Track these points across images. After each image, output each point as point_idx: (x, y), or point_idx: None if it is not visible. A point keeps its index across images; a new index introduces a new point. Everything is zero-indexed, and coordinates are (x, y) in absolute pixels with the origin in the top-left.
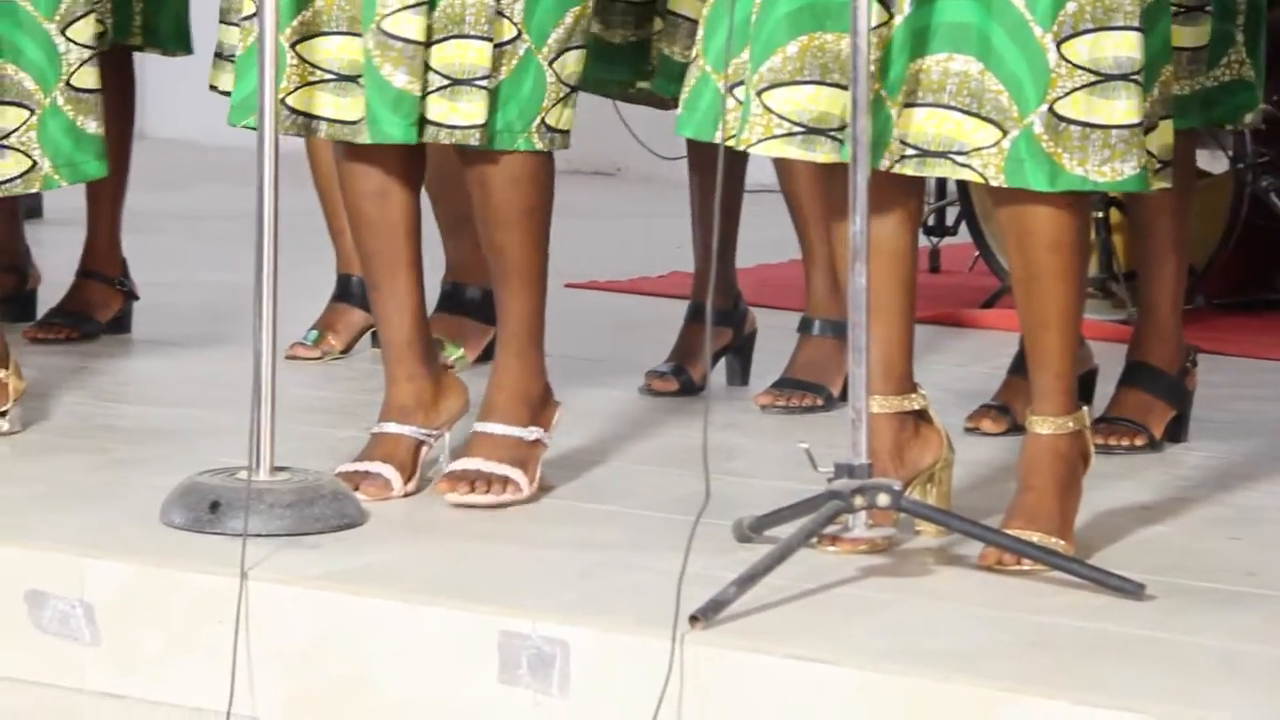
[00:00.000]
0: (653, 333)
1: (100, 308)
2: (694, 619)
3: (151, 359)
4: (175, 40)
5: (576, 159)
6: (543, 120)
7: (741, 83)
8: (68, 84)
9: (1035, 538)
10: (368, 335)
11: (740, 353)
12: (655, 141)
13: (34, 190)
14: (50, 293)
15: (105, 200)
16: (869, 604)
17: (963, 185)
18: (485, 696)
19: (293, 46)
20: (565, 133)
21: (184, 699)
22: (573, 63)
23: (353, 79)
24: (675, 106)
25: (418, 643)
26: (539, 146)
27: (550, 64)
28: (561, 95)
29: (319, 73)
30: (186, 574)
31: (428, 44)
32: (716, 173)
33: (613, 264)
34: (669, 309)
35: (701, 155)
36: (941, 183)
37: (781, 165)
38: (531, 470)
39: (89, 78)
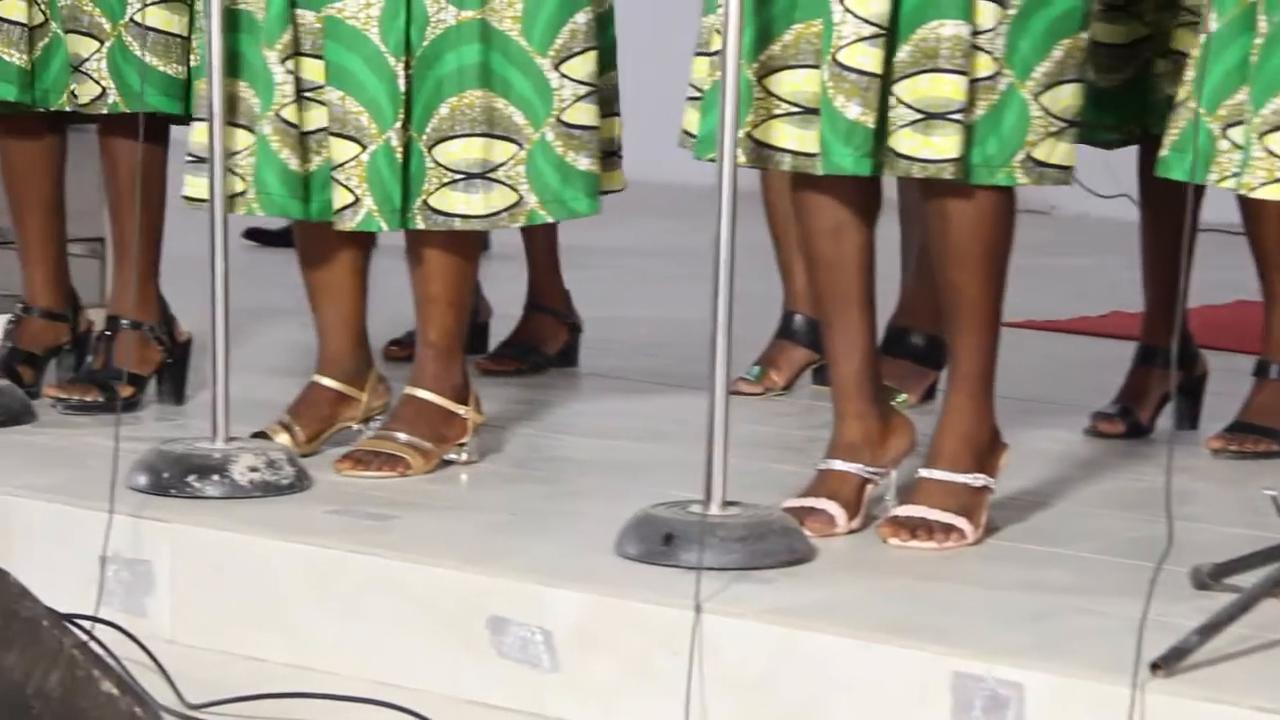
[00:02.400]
0: (1094, 374)
1: (548, 341)
2: (1155, 666)
3: (598, 392)
4: None
5: None
6: (1028, 155)
7: (1237, 123)
8: (559, 120)
9: None
10: (808, 372)
11: (1190, 396)
12: (1088, 178)
13: (518, 224)
14: (500, 326)
15: (542, 235)
16: None
17: None
18: None
19: (759, 80)
20: (1063, 168)
21: None
22: (1066, 97)
23: (814, 112)
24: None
25: (869, 679)
26: (1022, 181)
27: (1036, 98)
28: (1053, 130)
29: (783, 105)
30: (642, 605)
31: (888, 78)
32: (1175, 212)
33: (1048, 303)
34: (1107, 349)
35: (1155, 193)
36: None
37: (1248, 207)
38: (977, 517)
39: (583, 114)
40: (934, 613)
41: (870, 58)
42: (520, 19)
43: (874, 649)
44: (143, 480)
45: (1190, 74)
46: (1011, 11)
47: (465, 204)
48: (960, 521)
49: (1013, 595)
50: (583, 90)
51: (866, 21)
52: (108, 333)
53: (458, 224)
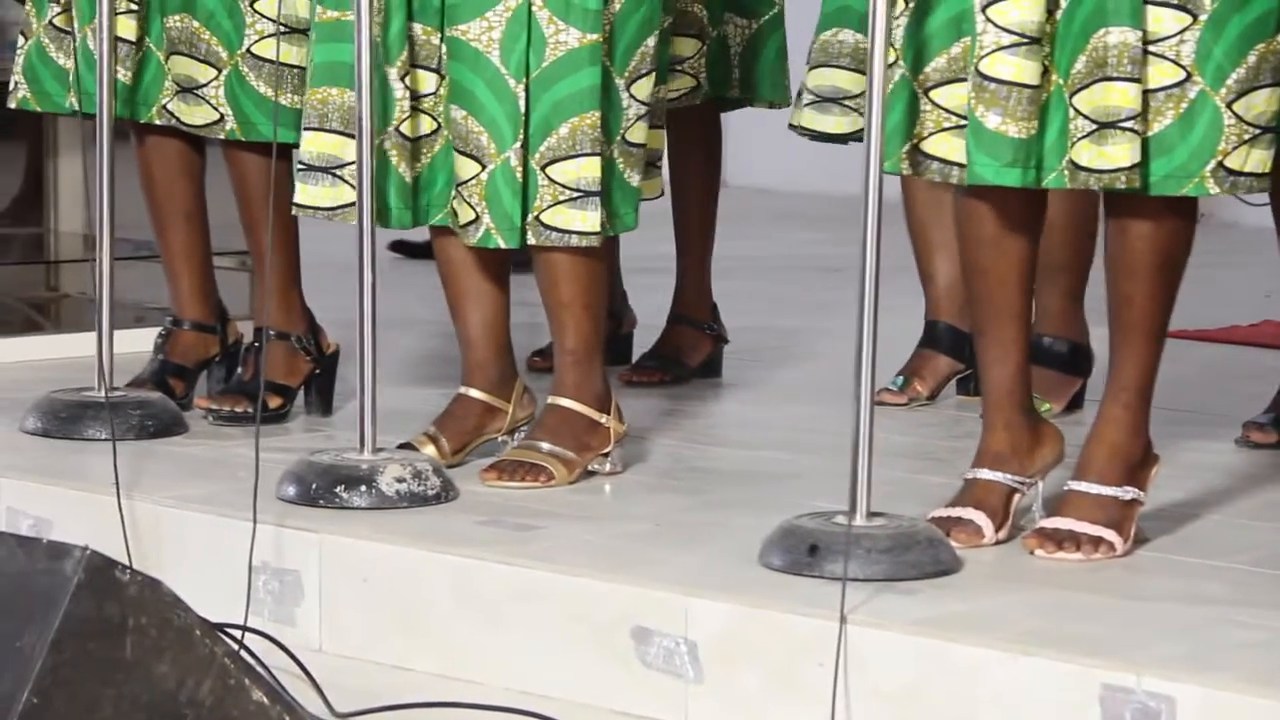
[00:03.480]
0: (1247, 384)
1: (691, 351)
2: None
3: (741, 402)
4: (774, 90)
5: None
6: (1220, 164)
7: None
8: (624, 139)
9: None
10: (953, 382)
11: None
12: None
13: (594, 242)
14: (644, 336)
15: (694, 248)
16: None
17: None
18: None
19: (928, 92)
20: (1258, 175)
21: None
22: (1261, 102)
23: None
24: None
25: (1017, 692)
26: (1214, 191)
27: (1230, 105)
28: (1246, 137)
29: (954, 118)
30: (787, 615)
31: (1069, 89)
32: None
33: (1200, 312)
34: (1260, 358)
35: None
36: None
37: None
38: (1126, 530)
39: (640, 133)
40: (1082, 624)
41: (1011, 67)
42: (606, 38)
43: (1021, 661)
44: (291, 491)
45: None
46: (1203, 17)
47: (582, 220)
48: (1109, 534)
49: (1164, 607)
50: (643, 110)
51: (1006, 30)
52: (256, 344)
53: (574, 240)
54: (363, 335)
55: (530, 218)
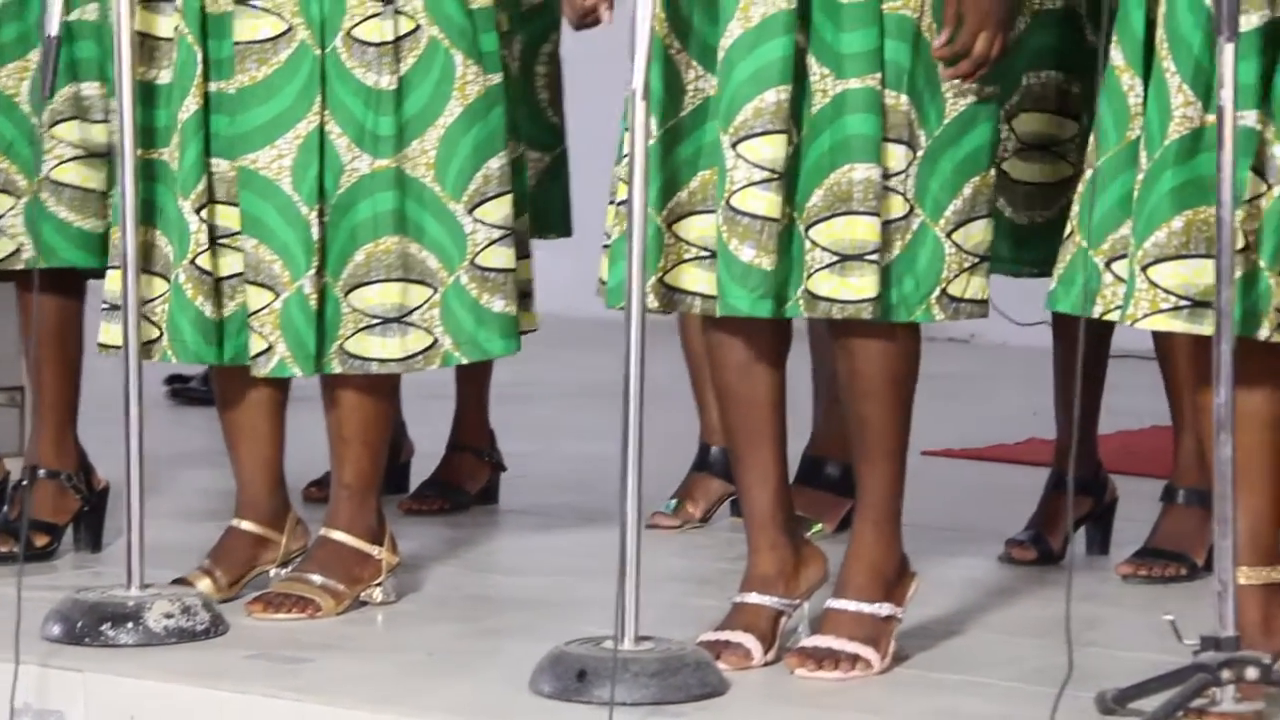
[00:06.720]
0: (1011, 501)
1: (470, 479)
2: None
3: (519, 529)
4: (559, 225)
5: (930, 326)
6: (943, 291)
7: (1121, 257)
8: (473, 263)
9: None
10: (726, 504)
11: (1101, 521)
12: (1007, 306)
13: (434, 367)
14: (422, 465)
15: (474, 375)
16: None
17: None
18: None
19: (669, 226)
20: (978, 302)
21: None
22: (978, 233)
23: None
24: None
25: None
26: (939, 318)
27: (949, 235)
28: (966, 265)
29: (692, 250)
30: None
31: (803, 222)
32: (1078, 346)
33: (968, 431)
34: (1026, 476)
35: (1068, 323)
36: None
37: (1158, 336)
38: (884, 646)
39: (498, 258)
40: None
41: (762, 201)
42: (434, 165)
43: None
44: (56, 630)
45: (1076, 209)
46: (920, 153)
47: (382, 348)
48: (867, 651)
49: None
50: (497, 234)
51: (758, 166)
52: (24, 482)
53: (374, 367)
54: (129, 469)
55: (335, 346)
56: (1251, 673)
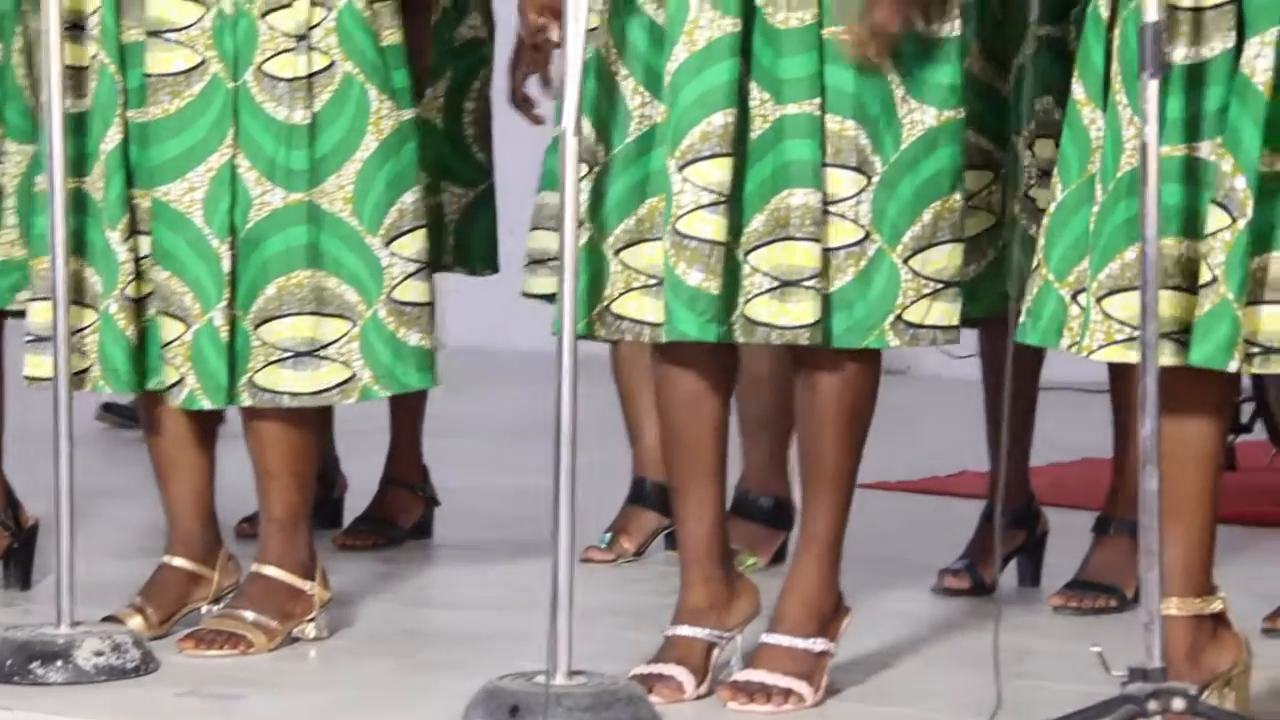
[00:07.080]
0: (944, 533)
1: (403, 514)
2: None
3: (452, 564)
4: (485, 261)
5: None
6: (899, 317)
7: (1084, 289)
8: (389, 297)
9: None
10: (661, 537)
11: (1032, 553)
12: None
13: (351, 400)
14: (356, 500)
15: (407, 410)
16: None
17: (1258, 380)
18: None
19: (617, 254)
20: (943, 328)
21: None
22: (940, 258)
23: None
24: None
25: None
26: (894, 344)
27: (906, 261)
28: (926, 291)
29: (642, 278)
30: None
31: (743, 247)
32: (1015, 374)
33: (903, 463)
34: (961, 508)
35: (996, 355)
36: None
37: (1113, 366)
38: (817, 680)
39: (414, 291)
40: None
41: (710, 225)
42: (351, 200)
43: None
44: None
45: (1042, 242)
46: (875, 179)
47: (294, 381)
48: (800, 685)
49: None
50: (412, 268)
51: (705, 189)
52: None
53: (286, 400)
54: (59, 505)
55: (245, 379)
56: (1178, 704)
